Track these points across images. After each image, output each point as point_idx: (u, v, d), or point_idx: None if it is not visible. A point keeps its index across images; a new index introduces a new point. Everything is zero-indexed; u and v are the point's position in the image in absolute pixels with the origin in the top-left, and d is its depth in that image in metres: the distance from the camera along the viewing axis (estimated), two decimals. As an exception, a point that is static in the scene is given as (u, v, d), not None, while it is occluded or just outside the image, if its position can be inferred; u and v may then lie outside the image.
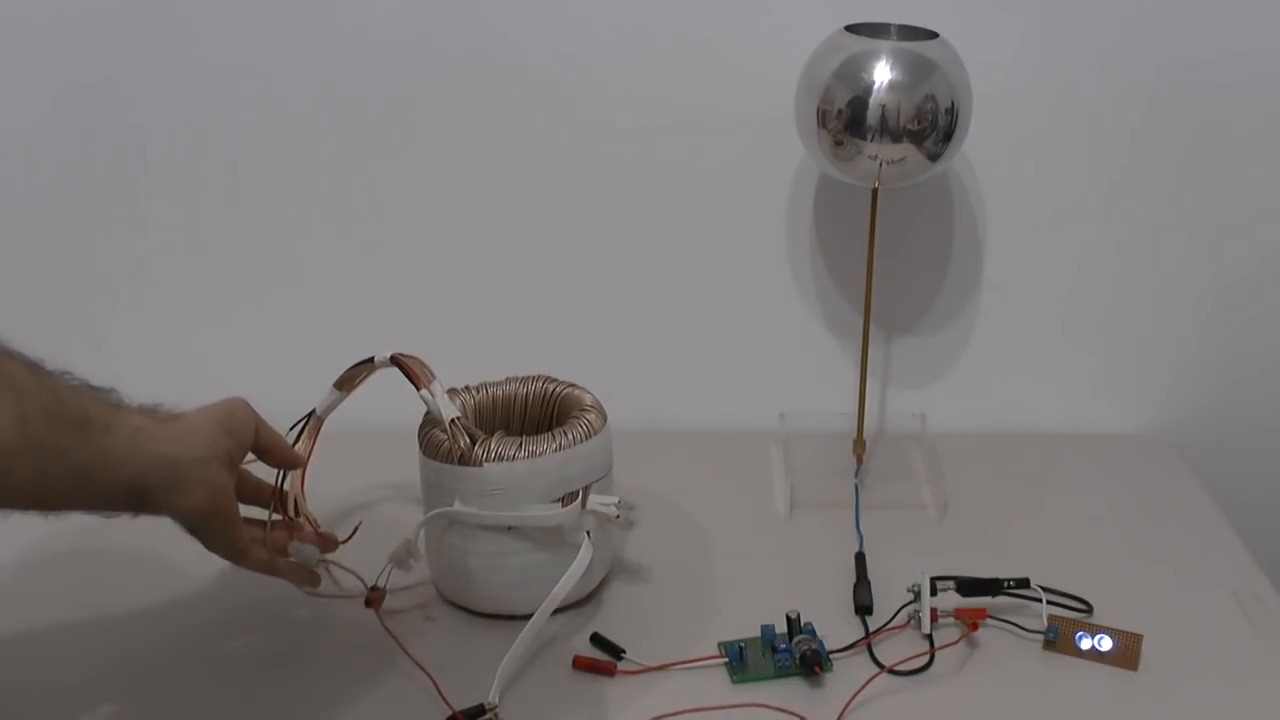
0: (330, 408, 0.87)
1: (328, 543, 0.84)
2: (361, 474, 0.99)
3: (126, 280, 1.10)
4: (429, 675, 0.77)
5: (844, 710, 0.76)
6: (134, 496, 0.70)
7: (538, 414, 0.90)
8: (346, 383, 0.87)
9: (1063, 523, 0.98)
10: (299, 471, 0.85)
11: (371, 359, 0.85)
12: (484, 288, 1.11)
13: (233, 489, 0.75)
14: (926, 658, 0.81)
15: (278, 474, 0.84)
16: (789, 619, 0.82)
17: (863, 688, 0.77)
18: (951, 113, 0.91)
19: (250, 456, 0.79)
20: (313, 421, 0.87)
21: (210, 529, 0.74)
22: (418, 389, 0.82)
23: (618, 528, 0.89)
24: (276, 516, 0.83)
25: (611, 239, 1.09)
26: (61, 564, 0.91)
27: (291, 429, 0.86)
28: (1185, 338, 1.11)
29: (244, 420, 0.77)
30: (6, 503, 0.66)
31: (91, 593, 0.87)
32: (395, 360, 0.83)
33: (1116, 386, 1.13)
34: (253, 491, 0.83)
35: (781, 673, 0.79)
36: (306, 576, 0.82)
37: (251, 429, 0.78)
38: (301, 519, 0.85)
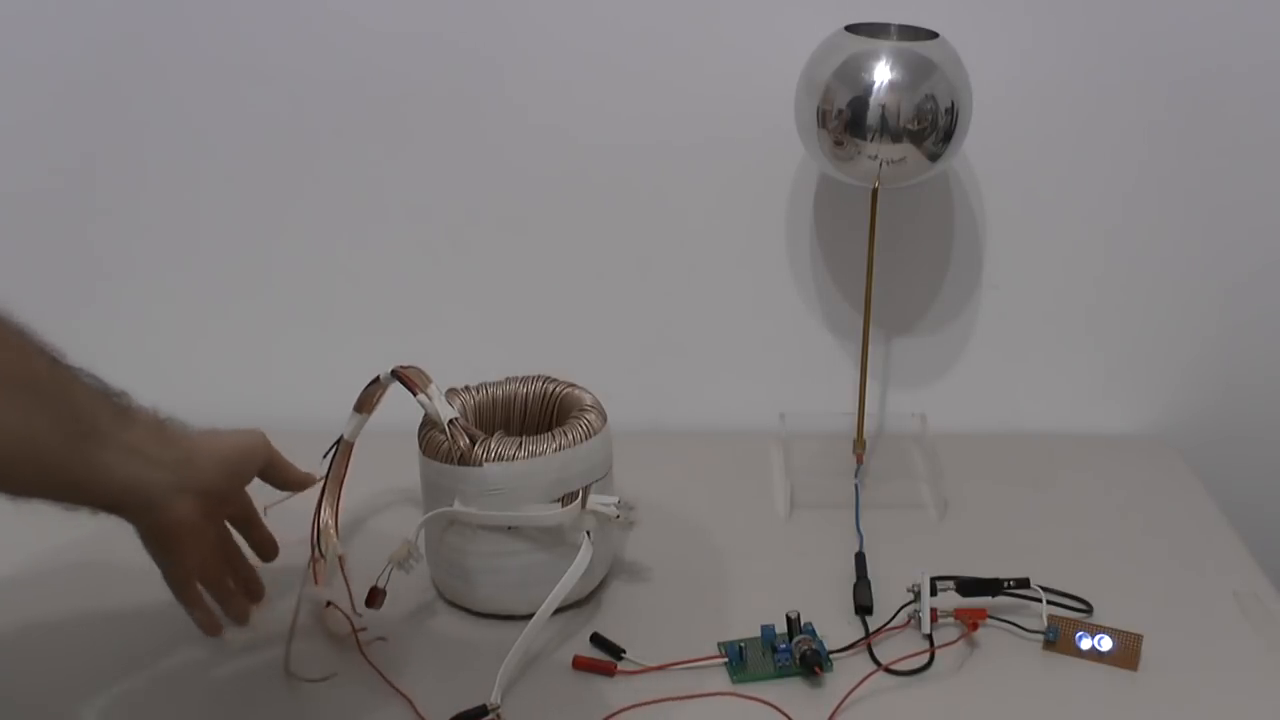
0: (356, 430, 0.88)
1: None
2: (362, 475, 0.99)
3: (123, 280, 1.10)
4: (404, 696, 0.77)
5: (839, 705, 0.76)
6: (109, 507, 0.70)
7: (538, 414, 0.90)
8: (364, 404, 0.87)
9: (1063, 523, 0.98)
10: (335, 507, 0.87)
11: (378, 378, 0.85)
12: (484, 287, 1.11)
13: (201, 527, 0.74)
14: (926, 657, 0.81)
15: (315, 511, 0.85)
16: (789, 619, 0.82)
17: (859, 684, 0.77)
18: (951, 113, 0.91)
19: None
20: (342, 447, 0.88)
21: (161, 558, 0.74)
22: (414, 395, 0.83)
23: (618, 528, 0.89)
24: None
25: (611, 239, 1.09)
26: (62, 563, 0.91)
27: (324, 457, 0.87)
28: (1187, 338, 1.11)
29: (251, 459, 0.79)
30: None
31: (92, 593, 0.87)
32: (395, 374, 0.84)
33: (1117, 387, 1.13)
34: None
35: (781, 673, 0.79)
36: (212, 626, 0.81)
37: (260, 465, 0.79)
38: (329, 555, 0.85)
